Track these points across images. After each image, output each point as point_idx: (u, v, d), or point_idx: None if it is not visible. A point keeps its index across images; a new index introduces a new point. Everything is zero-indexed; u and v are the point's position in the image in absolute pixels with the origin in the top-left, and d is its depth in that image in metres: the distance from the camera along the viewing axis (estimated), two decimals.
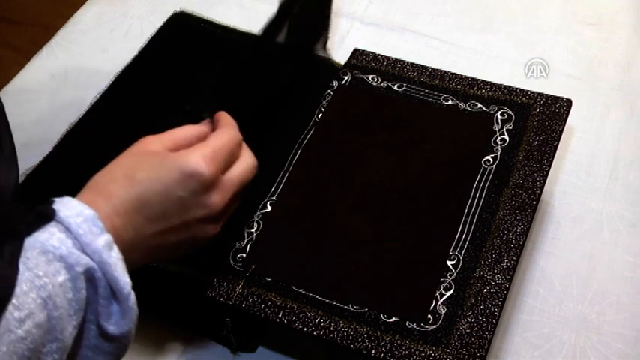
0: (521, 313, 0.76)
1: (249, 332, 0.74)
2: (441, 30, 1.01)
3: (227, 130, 0.60)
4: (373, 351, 0.65)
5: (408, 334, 0.66)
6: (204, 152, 0.56)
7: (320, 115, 0.83)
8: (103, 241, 0.50)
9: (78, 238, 0.49)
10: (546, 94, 0.82)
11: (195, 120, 0.64)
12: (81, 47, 1.01)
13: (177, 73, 0.88)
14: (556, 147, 0.78)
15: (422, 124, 0.82)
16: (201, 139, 0.59)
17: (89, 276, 0.49)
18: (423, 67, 0.86)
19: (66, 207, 0.50)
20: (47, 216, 0.49)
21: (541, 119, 0.80)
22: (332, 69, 0.88)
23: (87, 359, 0.51)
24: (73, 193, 0.55)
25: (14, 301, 0.45)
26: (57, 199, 0.50)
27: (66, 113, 0.91)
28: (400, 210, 0.75)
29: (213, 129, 0.61)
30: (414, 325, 0.67)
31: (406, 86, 0.85)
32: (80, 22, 1.04)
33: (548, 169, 0.76)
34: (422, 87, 0.84)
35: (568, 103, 0.81)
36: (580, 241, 0.81)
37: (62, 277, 0.47)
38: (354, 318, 0.67)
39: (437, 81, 0.85)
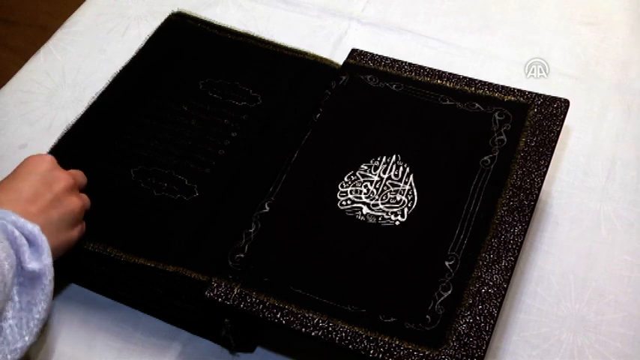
0: (519, 312, 0.76)
1: (247, 333, 0.74)
2: (438, 30, 1.01)
3: None
4: (371, 351, 0.65)
5: (406, 335, 0.66)
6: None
7: (318, 116, 0.83)
8: (3, 210, 0.63)
9: None
10: (544, 95, 0.82)
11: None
12: (78, 48, 1.00)
13: (174, 73, 0.88)
14: (553, 147, 0.78)
15: (420, 125, 0.82)
16: None
17: (3, 231, 0.61)
18: (421, 67, 0.86)
19: None
20: None
21: (539, 120, 0.80)
22: (330, 69, 0.88)
23: (24, 319, 0.61)
24: None
25: None
26: None
27: (63, 114, 0.92)
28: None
29: None
30: (412, 326, 0.67)
31: (404, 86, 0.85)
32: (77, 22, 1.04)
33: (546, 170, 0.76)
34: (420, 87, 0.85)
35: (565, 103, 0.81)
36: (578, 241, 0.81)
37: None
38: (353, 318, 0.67)
39: (435, 81, 0.85)
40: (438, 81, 0.85)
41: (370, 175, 0.78)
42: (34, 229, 0.63)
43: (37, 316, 0.62)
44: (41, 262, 0.62)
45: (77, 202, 0.71)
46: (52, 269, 0.63)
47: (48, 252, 0.63)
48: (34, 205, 0.66)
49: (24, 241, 0.62)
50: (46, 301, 0.63)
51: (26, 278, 0.62)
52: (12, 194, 0.66)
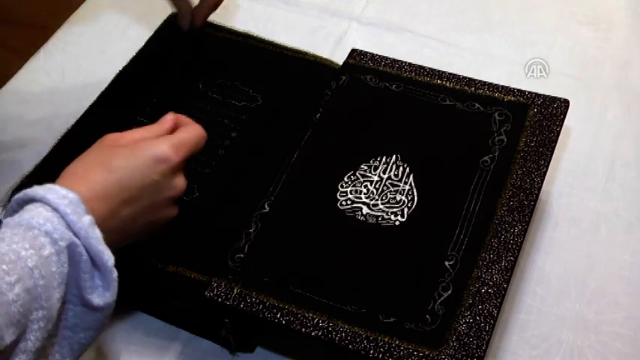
0: (519, 312, 0.76)
1: (247, 333, 0.74)
2: (438, 30, 1.01)
3: (192, 126, 0.65)
4: (371, 352, 0.65)
5: (406, 335, 0.66)
6: (172, 141, 0.62)
7: (318, 116, 0.83)
8: (87, 220, 0.54)
9: (65, 217, 0.53)
10: (544, 95, 0.82)
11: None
12: (78, 48, 1.01)
13: (174, 73, 0.88)
14: (553, 147, 0.78)
15: (420, 125, 0.82)
16: (162, 135, 0.64)
17: (71, 252, 0.53)
18: (421, 67, 0.86)
19: (51, 191, 0.54)
20: (30, 199, 0.54)
21: (538, 120, 0.80)
22: (330, 69, 0.88)
23: (67, 339, 0.56)
24: None
25: (4, 267, 0.49)
26: (42, 186, 0.55)
27: (64, 115, 0.92)
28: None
29: (174, 129, 0.65)
30: (412, 326, 0.67)
31: (404, 86, 0.85)
32: (78, 23, 1.04)
33: (546, 170, 0.76)
34: (420, 87, 0.85)
35: (565, 103, 0.81)
36: (578, 241, 0.81)
37: (47, 250, 0.52)
38: (353, 318, 0.67)
39: (435, 81, 0.85)
40: (438, 81, 0.85)
41: (370, 175, 0.78)
42: (108, 262, 0.54)
43: (84, 341, 0.56)
44: (103, 299, 0.55)
45: (171, 213, 0.63)
46: (113, 305, 0.56)
47: (114, 289, 0.55)
48: (127, 209, 0.59)
49: (89, 266, 0.54)
50: (97, 331, 0.56)
51: (80, 304, 0.55)
52: (114, 187, 0.58)
